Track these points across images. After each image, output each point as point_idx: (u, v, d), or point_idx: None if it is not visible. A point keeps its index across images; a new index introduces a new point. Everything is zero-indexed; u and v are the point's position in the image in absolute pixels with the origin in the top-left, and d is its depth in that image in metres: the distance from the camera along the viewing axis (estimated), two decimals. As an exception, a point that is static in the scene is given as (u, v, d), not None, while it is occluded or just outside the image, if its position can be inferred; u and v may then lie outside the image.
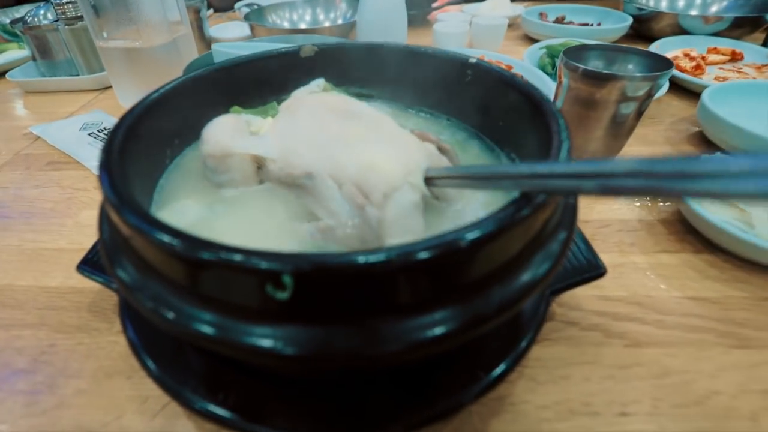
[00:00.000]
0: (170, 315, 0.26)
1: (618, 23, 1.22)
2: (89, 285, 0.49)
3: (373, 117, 0.40)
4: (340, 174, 0.35)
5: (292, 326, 0.23)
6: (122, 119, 0.37)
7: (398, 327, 0.23)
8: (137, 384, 0.41)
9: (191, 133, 0.45)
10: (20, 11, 1.56)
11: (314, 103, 0.42)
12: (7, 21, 1.49)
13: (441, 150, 0.39)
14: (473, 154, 0.46)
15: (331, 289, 0.23)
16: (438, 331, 0.23)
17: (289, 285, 0.22)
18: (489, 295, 0.25)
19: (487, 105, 0.46)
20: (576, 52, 0.64)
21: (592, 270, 0.41)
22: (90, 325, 0.47)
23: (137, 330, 0.39)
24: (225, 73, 0.48)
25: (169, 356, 0.37)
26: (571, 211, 0.32)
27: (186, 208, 0.39)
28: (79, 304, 0.50)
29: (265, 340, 0.23)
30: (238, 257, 0.22)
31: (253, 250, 0.22)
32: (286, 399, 0.33)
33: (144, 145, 0.38)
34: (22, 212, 0.65)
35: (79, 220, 0.63)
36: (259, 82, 0.51)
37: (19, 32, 1.08)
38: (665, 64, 0.59)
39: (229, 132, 0.39)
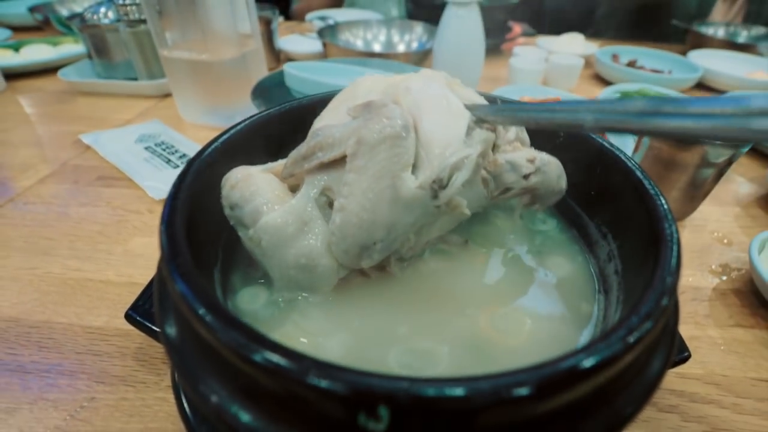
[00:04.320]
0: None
1: (689, 73, 1.28)
2: (136, 328, 0.48)
3: None
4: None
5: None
6: (178, 189, 0.34)
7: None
8: (187, 455, 0.39)
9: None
10: (77, 2, 1.63)
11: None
12: (64, 12, 1.57)
13: None
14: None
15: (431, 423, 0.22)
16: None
17: (386, 418, 0.21)
18: (595, 420, 0.24)
19: (580, 171, 0.44)
20: None
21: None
22: (136, 377, 0.46)
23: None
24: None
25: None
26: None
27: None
28: (124, 350, 0.48)
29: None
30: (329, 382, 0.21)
31: (346, 368, 0.21)
32: None
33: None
34: (67, 234, 0.65)
35: (129, 248, 0.62)
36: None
37: (75, 29, 1.11)
38: None
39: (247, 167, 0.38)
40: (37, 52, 1.28)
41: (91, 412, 0.43)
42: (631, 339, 0.23)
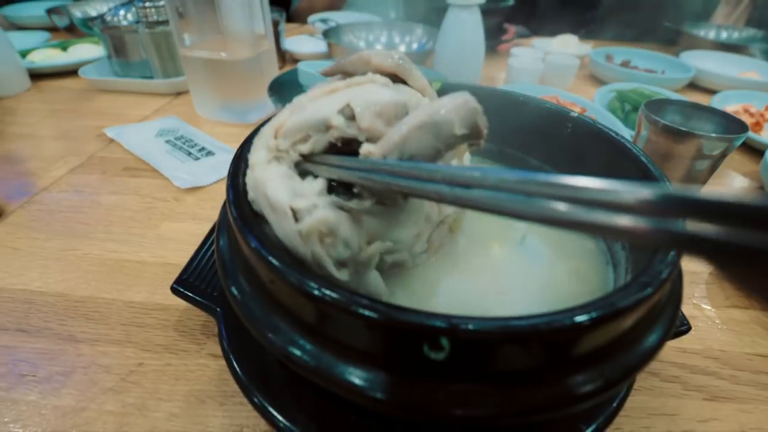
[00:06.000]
0: (312, 363, 0.27)
1: (681, 73, 1.31)
2: (175, 302, 0.51)
3: None
4: None
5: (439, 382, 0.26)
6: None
7: (545, 391, 0.26)
8: (231, 411, 0.43)
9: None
10: (90, 4, 1.66)
11: None
12: (78, 14, 1.61)
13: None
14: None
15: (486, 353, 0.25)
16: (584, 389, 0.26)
17: (447, 347, 0.24)
18: (615, 363, 0.27)
19: (582, 156, 0.48)
20: (656, 105, 0.71)
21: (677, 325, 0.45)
22: (178, 346, 0.49)
23: (240, 361, 0.40)
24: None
25: (276, 390, 0.38)
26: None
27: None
28: (165, 322, 0.52)
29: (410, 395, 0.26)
30: (401, 316, 0.25)
31: (414, 310, 0.25)
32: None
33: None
34: (101, 219, 0.68)
35: (160, 233, 0.65)
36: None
37: (98, 31, 1.15)
38: (740, 126, 0.66)
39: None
40: (83, 51, 1.35)
41: (140, 375, 0.46)
42: (649, 291, 0.27)
